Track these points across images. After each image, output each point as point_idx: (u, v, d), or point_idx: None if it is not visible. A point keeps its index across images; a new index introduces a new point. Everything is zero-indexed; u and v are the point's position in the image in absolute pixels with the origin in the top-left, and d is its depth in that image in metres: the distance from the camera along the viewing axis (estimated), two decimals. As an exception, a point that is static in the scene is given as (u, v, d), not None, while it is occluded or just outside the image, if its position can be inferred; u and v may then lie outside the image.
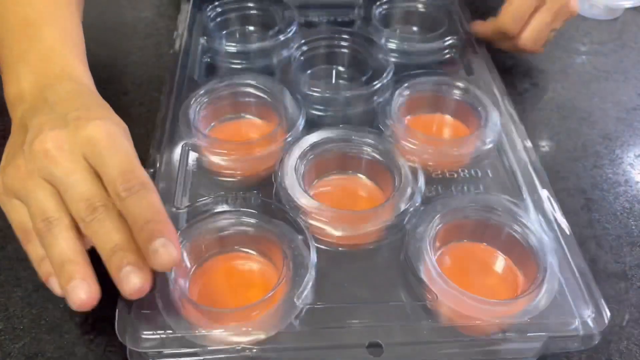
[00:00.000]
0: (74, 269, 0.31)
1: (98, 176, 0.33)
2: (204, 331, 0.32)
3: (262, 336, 0.33)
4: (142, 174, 0.34)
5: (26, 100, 0.38)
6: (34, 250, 0.34)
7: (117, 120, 0.37)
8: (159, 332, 0.33)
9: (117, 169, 0.33)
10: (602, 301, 0.35)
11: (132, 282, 0.31)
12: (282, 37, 0.54)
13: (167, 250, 0.31)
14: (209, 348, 0.32)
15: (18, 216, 0.34)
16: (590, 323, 0.34)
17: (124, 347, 0.36)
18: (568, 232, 0.39)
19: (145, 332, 0.33)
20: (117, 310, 0.34)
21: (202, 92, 0.47)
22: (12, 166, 0.34)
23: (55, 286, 0.34)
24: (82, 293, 0.31)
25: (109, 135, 0.34)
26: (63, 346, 0.36)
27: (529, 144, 0.45)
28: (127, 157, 0.34)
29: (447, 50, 0.56)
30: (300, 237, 0.37)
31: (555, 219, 0.39)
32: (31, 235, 0.34)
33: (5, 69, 0.40)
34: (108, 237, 0.31)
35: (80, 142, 0.33)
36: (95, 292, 0.32)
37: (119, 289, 0.31)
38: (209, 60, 0.54)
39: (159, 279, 0.34)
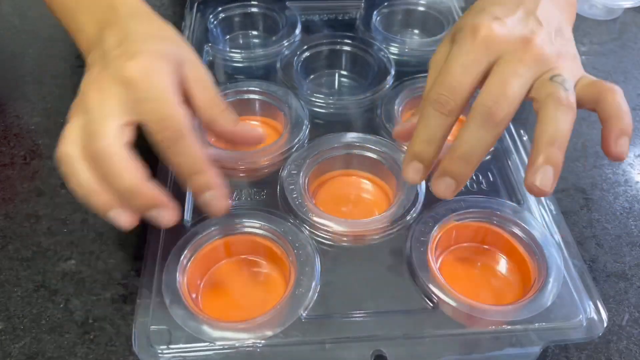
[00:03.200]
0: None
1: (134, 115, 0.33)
2: (211, 328, 0.33)
3: (269, 333, 0.33)
4: (180, 121, 0.33)
5: (90, 46, 0.37)
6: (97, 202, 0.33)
7: (164, 52, 0.35)
8: (166, 326, 0.33)
9: (153, 115, 0.32)
10: (601, 302, 0.35)
11: (163, 220, 0.33)
12: (285, 42, 0.54)
13: (216, 202, 0.33)
14: (217, 344, 0.32)
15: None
16: (590, 324, 0.34)
17: (124, 347, 0.36)
18: (567, 234, 0.39)
19: (153, 326, 0.33)
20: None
21: None
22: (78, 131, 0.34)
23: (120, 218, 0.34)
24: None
25: (144, 77, 0.33)
26: (63, 346, 0.36)
27: (529, 147, 0.45)
28: (162, 102, 0.33)
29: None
30: (304, 238, 0.38)
31: (555, 222, 0.39)
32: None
33: (71, 21, 0.41)
34: (122, 176, 0.32)
35: (119, 84, 0.33)
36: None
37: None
38: (213, 66, 0.54)
39: (168, 290, 0.34)
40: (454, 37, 0.35)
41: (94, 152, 0.32)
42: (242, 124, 0.37)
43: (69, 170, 0.33)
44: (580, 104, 0.33)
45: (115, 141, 0.32)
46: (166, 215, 0.33)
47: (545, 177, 0.31)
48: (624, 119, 0.32)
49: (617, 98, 0.32)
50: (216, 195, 0.33)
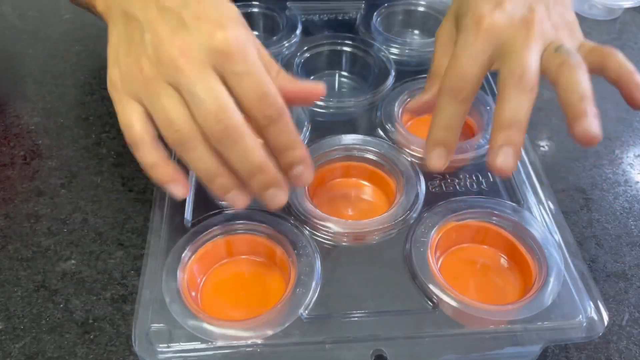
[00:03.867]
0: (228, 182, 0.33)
1: (227, 87, 0.32)
2: (211, 327, 0.33)
3: (269, 332, 0.33)
4: (278, 98, 0.32)
5: None
6: (144, 157, 0.33)
7: (241, 21, 0.34)
8: (167, 325, 0.33)
9: (253, 92, 0.32)
10: (601, 302, 0.35)
11: (277, 200, 0.34)
12: (285, 43, 0.54)
13: (305, 174, 0.34)
14: (217, 343, 0.32)
15: (131, 119, 0.33)
16: (590, 324, 0.34)
17: (124, 347, 0.36)
18: (567, 234, 0.39)
19: (153, 325, 0.33)
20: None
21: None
22: (129, 65, 0.33)
23: (175, 190, 0.34)
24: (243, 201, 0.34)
25: (240, 48, 0.32)
26: (63, 346, 0.36)
27: (529, 146, 0.45)
28: (261, 77, 0.32)
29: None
30: (304, 238, 0.38)
31: (555, 221, 0.39)
32: (142, 144, 0.33)
33: None
34: (244, 158, 0.32)
35: (210, 53, 0.31)
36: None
37: (266, 205, 0.34)
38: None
39: (168, 289, 0.34)
40: (458, 23, 0.38)
41: (221, 132, 0.31)
42: (299, 82, 0.36)
43: (192, 156, 0.32)
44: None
45: (241, 118, 0.32)
46: (282, 195, 0.34)
47: (592, 125, 0.32)
48: (633, 74, 0.34)
49: (619, 59, 0.35)
50: (306, 169, 0.34)
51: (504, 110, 0.34)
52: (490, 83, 0.51)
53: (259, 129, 0.33)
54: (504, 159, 0.33)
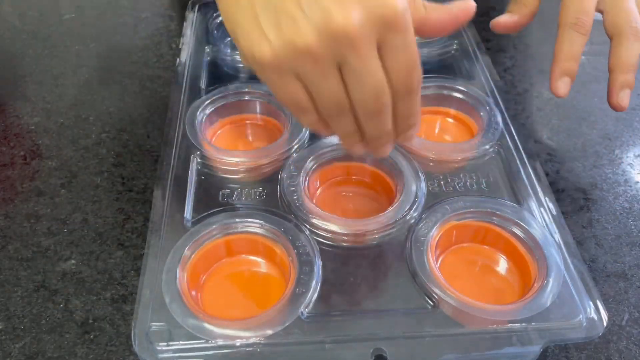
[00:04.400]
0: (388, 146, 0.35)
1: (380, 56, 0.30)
2: (211, 327, 0.33)
3: (269, 332, 0.33)
4: (420, 70, 0.31)
5: None
6: (306, 120, 0.34)
7: None
8: (167, 324, 0.33)
9: (405, 64, 0.30)
10: (600, 302, 0.35)
11: (385, 152, 0.35)
12: None
13: (415, 135, 0.36)
14: (217, 343, 0.32)
15: (292, 94, 0.31)
16: (590, 324, 0.34)
17: (124, 347, 0.36)
18: (566, 234, 0.39)
19: (153, 324, 0.33)
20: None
21: (208, 101, 0.47)
22: (282, 38, 0.29)
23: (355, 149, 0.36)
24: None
25: (406, 19, 0.29)
26: (63, 346, 0.36)
27: (529, 147, 0.45)
28: (414, 49, 0.30)
29: (448, 55, 0.56)
30: (304, 237, 0.38)
31: (554, 221, 0.39)
32: (307, 110, 0.32)
33: None
34: (381, 127, 0.33)
35: (378, 22, 0.28)
36: None
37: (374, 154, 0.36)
38: (214, 68, 0.53)
39: (168, 289, 0.34)
40: None
41: (376, 109, 0.32)
42: (447, 7, 0.34)
43: (338, 124, 0.33)
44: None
45: (390, 95, 0.32)
46: (390, 148, 0.35)
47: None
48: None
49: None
50: (414, 132, 0.35)
51: (623, 56, 0.40)
52: (490, 86, 0.51)
53: (395, 95, 0.32)
54: (622, 98, 0.41)
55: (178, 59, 0.53)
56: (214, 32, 0.56)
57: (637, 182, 0.48)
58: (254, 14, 0.30)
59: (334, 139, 0.44)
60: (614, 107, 0.41)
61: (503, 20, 0.46)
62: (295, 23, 0.28)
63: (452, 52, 0.56)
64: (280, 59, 0.29)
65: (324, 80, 0.30)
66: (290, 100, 0.32)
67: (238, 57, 0.54)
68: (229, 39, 0.58)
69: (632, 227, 0.45)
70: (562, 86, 0.41)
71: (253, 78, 0.50)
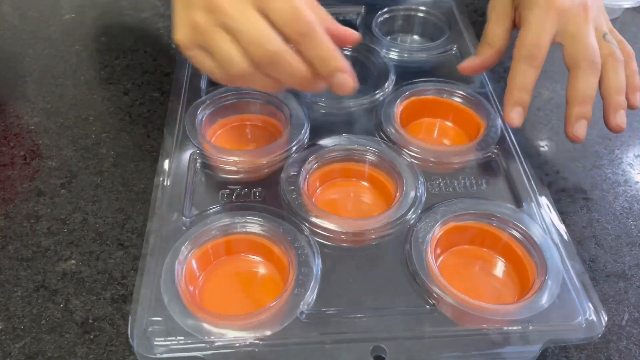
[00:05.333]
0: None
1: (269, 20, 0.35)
2: (211, 327, 0.33)
3: (268, 332, 0.33)
4: (310, 16, 0.36)
5: None
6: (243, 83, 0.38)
7: None
8: (165, 324, 0.33)
9: (285, 12, 0.35)
10: (599, 303, 0.35)
11: (321, 88, 0.38)
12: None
13: (347, 80, 0.37)
14: (215, 343, 0.32)
15: (201, 64, 0.38)
16: (589, 325, 0.34)
17: (124, 347, 0.36)
18: (565, 235, 0.39)
19: (151, 324, 0.33)
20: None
21: (208, 100, 0.47)
22: (187, 21, 0.37)
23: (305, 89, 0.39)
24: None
25: None
26: (63, 346, 0.36)
27: (528, 148, 0.45)
28: (291, 1, 0.35)
29: (447, 57, 0.56)
30: (304, 238, 0.38)
31: (554, 223, 0.39)
32: (218, 76, 0.38)
33: None
34: (290, 75, 0.36)
35: None
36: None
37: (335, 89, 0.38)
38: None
39: (167, 288, 0.34)
40: (519, 2, 0.44)
41: (265, 57, 0.35)
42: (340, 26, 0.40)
43: (249, 84, 0.38)
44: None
45: (279, 41, 0.35)
46: (350, 79, 0.37)
47: (622, 116, 0.42)
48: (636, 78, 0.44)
49: (631, 62, 0.45)
50: (347, 77, 0.37)
51: (579, 88, 0.42)
52: (490, 87, 0.52)
53: (297, 49, 0.36)
54: (578, 129, 0.42)
55: (178, 59, 0.53)
56: None
57: (637, 182, 0.48)
58: (178, 10, 0.38)
59: (334, 141, 0.44)
60: (570, 139, 0.42)
61: (468, 64, 0.48)
62: (190, 8, 0.36)
63: (452, 54, 0.56)
64: (184, 40, 0.38)
65: (217, 48, 0.36)
66: (204, 69, 0.38)
67: None
68: None
69: (632, 227, 0.45)
70: (516, 116, 0.42)
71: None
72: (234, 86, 0.40)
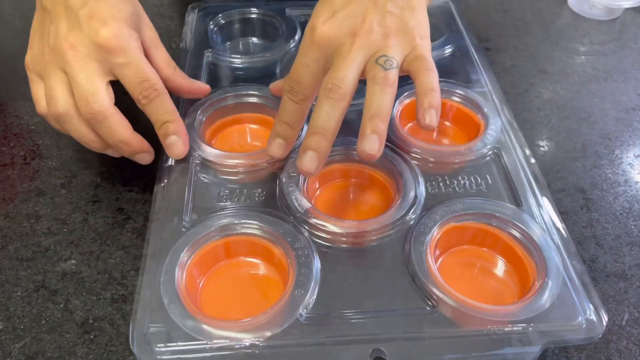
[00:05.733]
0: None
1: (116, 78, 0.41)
2: (210, 328, 0.33)
3: (268, 333, 0.33)
4: (157, 82, 0.41)
5: None
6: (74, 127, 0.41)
7: (128, 20, 0.41)
8: (165, 326, 0.33)
9: (134, 77, 0.40)
10: (600, 304, 0.35)
11: (145, 161, 0.44)
12: (284, 48, 0.54)
13: (177, 144, 0.42)
14: (215, 345, 0.32)
15: (38, 94, 0.41)
16: (589, 325, 0.34)
17: (124, 347, 0.36)
18: (566, 235, 0.39)
19: (151, 326, 0.33)
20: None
21: (207, 102, 0.47)
22: (38, 50, 0.41)
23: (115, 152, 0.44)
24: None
25: (119, 42, 0.40)
26: (63, 346, 0.36)
27: (527, 151, 0.45)
28: (141, 65, 0.40)
29: (447, 57, 0.56)
30: (303, 239, 0.38)
31: (554, 223, 0.39)
32: (68, 115, 0.40)
33: None
34: (110, 134, 0.40)
35: (96, 48, 0.39)
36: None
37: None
38: (213, 71, 0.53)
39: (167, 290, 0.34)
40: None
41: (91, 114, 0.39)
42: (190, 79, 0.47)
43: (68, 128, 0.41)
44: (407, 75, 0.40)
45: (109, 104, 0.40)
46: (147, 157, 0.43)
47: (373, 143, 0.36)
48: (429, 96, 0.38)
49: (423, 79, 0.39)
50: (180, 140, 0.42)
51: (316, 118, 0.37)
52: (490, 87, 0.51)
53: (142, 108, 0.41)
54: (307, 161, 0.37)
55: (178, 59, 0.53)
56: (213, 36, 0.57)
57: (637, 182, 0.48)
58: (34, 33, 0.43)
59: (336, 144, 0.44)
60: (422, 126, 0.38)
61: (275, 86, 0.47)
62: (43, 41, 0.41)
63: (451, 53, 0.56)
64: (28, 62, 0.42)
65: (48, 81, 0.40)
66: (34, 96, 0.42)
67: (237, 60, 0.54)
68: (227, 42, 0.58)
69: (632, 227, 0.45)
70: (275, 147, 0.41)
71: (252, 81, 0.50)
72: (57, 128, 0.42)
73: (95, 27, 0.39)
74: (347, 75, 0.37)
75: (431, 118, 0.38)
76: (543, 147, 0.51)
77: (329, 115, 0.37)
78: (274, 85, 0.47)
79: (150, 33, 0.44)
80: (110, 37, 0.39)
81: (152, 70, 0.41)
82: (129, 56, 0.40)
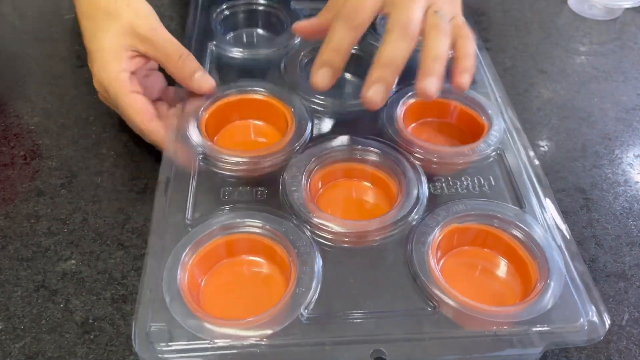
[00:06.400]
0: None
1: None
2: (211, 327, 0.33)
3: (269, 332, 0.33)
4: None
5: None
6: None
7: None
8: (167, 325, 0.33)
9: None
10: (602, 305, 0.35)
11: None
12: (289, 42, 0.54)
13: (205, 79, 0.46)
14: (217, 344, 0.32)
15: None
16: (591, 327, 0.34)
17: (124, 347, 0.36)
18: (568, 237, 0.39)
19: (153, 325, 0.33)
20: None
21: (210, 98, 0.47)
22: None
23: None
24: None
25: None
26: (63, 346, 0.36)
27: (531, 152, 0.45)
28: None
29: (450, 60, 0.55)
30: (306, 238, 0.38)
31: (557, 225, 0.39)
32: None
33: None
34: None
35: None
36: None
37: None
38: (217, 64, 0.53)
39: (168, 289, 0.34)
40: None
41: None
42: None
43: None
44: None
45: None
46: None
47: (432, 85, 0.39)
48: (467, 60, 0.42)
49: (465, 44, 0.43)
50: (204, 74, 0.46)
51: (385, 51, 0.39)
52: (491, 87, 0.51)
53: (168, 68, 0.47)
54: (374, 93, 0.39)
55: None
56: (217, 29, 0.56)
57: (637, 182, 0.48)
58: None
59: (336, 141, 0.44)
60: (364, 102, 0.40)
61: (305, 24, 0.48)
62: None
63: (451, 54, 0.56)
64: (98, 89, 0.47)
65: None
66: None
67: (241, 55, 0.53)
68: (232, 35, 0.58)
69: (632, 227, 0.45)
70: (320, 77, 0.41)
71: (257, 76, 0.50)
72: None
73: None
74: (417, 16, 0.40)
75: (464, 80, 0.41)
76: (543, 147, 0.51)
77: (400, 50, 0.39)
78: (301, 25, 0.47)
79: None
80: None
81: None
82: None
